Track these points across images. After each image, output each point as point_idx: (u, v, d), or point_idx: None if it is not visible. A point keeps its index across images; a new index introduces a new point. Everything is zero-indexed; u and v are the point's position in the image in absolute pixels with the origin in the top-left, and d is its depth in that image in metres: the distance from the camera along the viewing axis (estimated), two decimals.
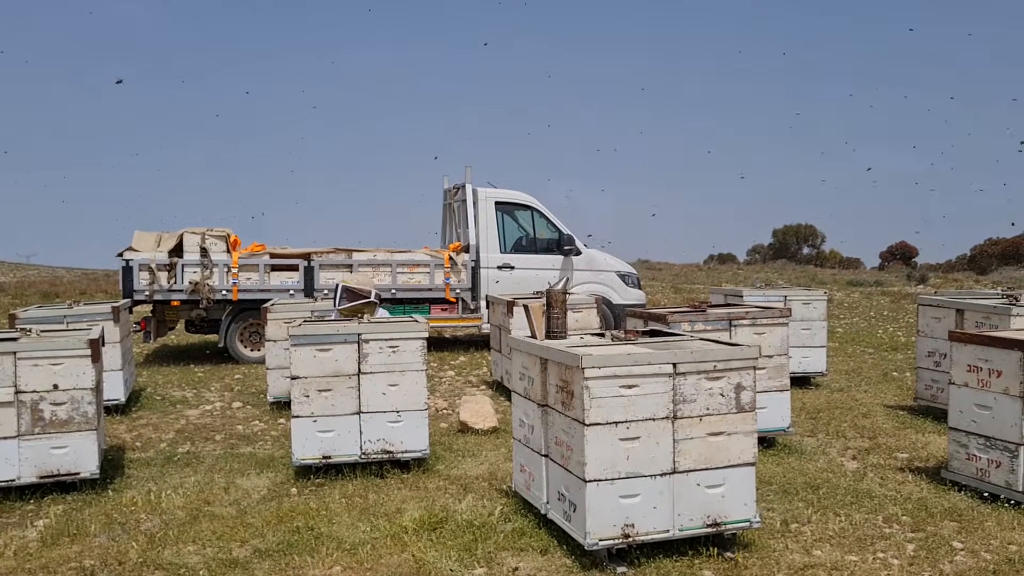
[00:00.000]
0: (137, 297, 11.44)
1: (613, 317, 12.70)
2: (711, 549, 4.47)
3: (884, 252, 48.41)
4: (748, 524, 4.52)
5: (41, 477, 5.69)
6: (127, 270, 11.47)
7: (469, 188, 13.09)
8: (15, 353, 5.64)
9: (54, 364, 5.70)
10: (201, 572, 4.39)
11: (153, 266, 11.48)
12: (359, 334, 6.12)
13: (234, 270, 11.65)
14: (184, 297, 11.58)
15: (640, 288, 13.74)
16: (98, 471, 5.84)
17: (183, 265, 11.59)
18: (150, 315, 11.87)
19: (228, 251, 11.76)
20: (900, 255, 47.23)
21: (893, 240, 48.47)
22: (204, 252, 11.67)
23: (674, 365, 4.36)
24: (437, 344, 13.31)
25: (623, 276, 13.44)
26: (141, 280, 11.45)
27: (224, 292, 11.57)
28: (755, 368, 4.54)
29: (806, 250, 53.89)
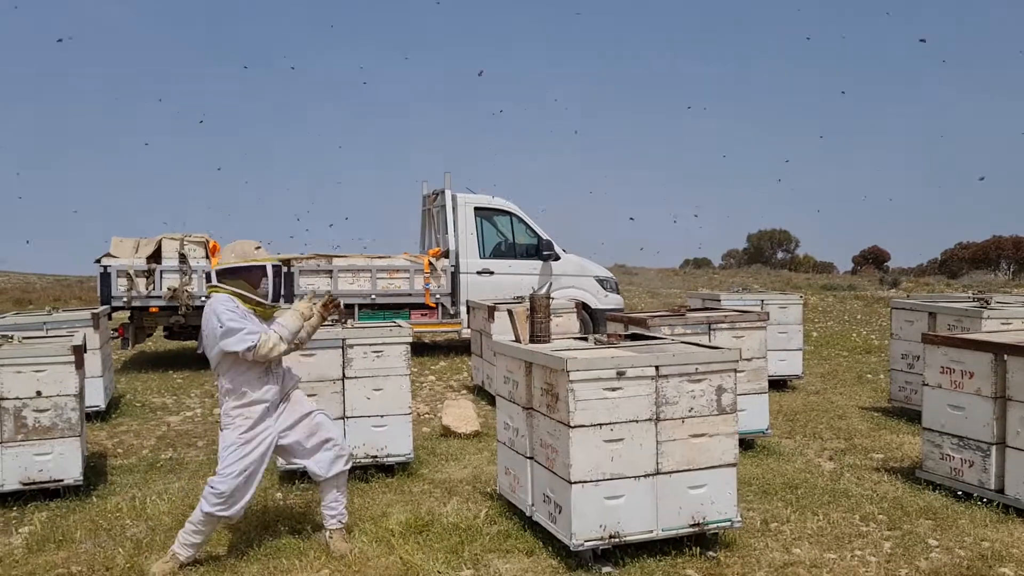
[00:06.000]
0: (115, 303, 11.38)
1: (592, 321, 12.80)
2: (694, 548, 4.55)
3: (857, 256, 49.09)
4: (729, 524, 4.61)
5: (24, 484, 5.67)
6: (105, 276, 11.41)
7: (448, 194, 13.16)
8: None
9: (37, 371, 5.69)
10: None
11: (131, 272, 11.43)
12: (343, 339, 6.16)
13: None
14: (163, 303, 11.54)
15: (618, 293, 13.86)
16: (82, 478, 5.83)
17: (162, 271, 11.55)
18: (128, 321, 11.81)
19: (207, 257, 11.72)
20: (872, 259, 47.89)
21: (866, 244, 49.18)
22: (183, 258, 11.65)
23: (656, 368, 4.44)
24: (417, 349, 13.32)
25: (601, 281, 13.55)
26: (119, 286, 11.40)
27: (203, 298, 11.50)
28: (735, 370, 4.63)
29: (780, 255, 54.49)
